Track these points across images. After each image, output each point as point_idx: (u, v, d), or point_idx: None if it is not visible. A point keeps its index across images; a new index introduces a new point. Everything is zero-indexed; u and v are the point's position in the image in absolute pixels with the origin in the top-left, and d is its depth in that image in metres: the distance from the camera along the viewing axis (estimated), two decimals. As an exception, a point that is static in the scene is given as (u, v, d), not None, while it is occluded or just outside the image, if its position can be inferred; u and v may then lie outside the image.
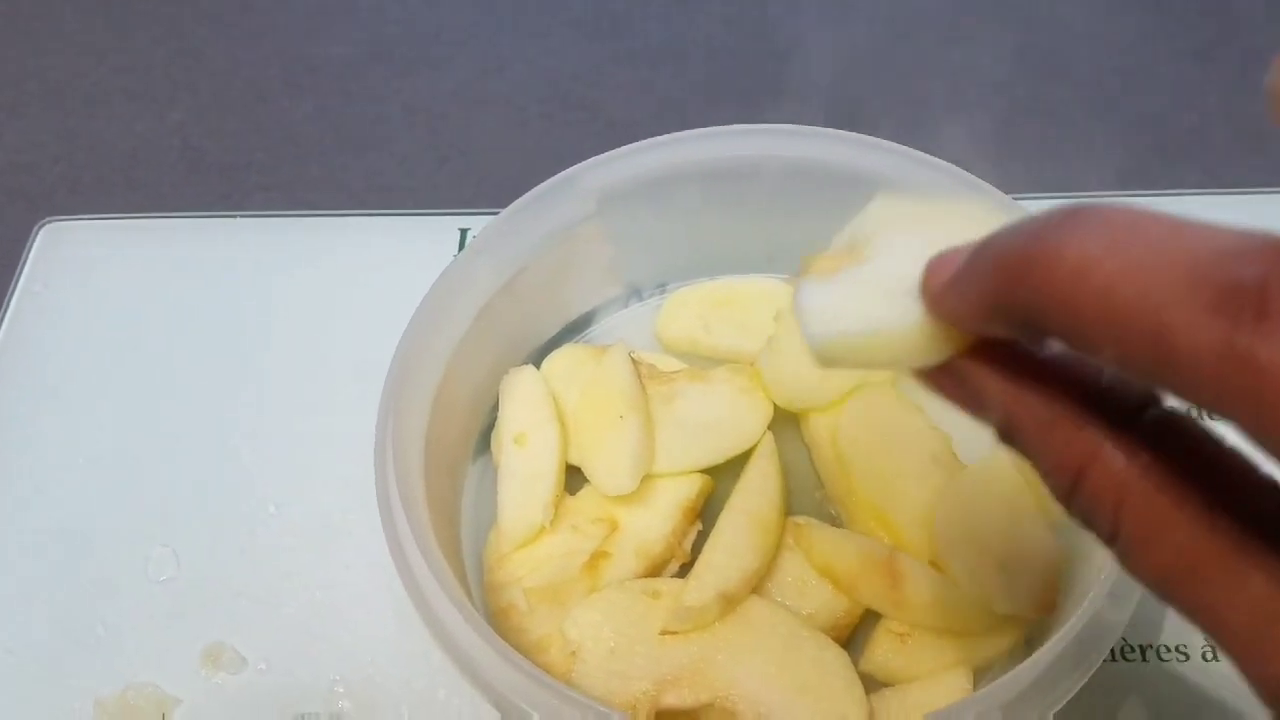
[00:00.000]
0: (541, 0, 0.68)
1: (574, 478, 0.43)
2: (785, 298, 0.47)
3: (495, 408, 0.45)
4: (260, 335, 0.51)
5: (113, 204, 0.58)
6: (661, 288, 0.50)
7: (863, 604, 0.40)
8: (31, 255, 0.54)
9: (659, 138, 0.45)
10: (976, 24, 0.65)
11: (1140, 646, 0.41)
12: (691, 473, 0.43)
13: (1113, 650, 0.36)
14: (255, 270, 0.53)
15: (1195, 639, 0.41)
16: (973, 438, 0.42)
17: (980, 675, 0.39)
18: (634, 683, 0.37)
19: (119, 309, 0.52)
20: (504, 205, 0.53)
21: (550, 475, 0.42)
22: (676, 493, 0.42)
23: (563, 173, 0.45)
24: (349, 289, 0.52)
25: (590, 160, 0.45)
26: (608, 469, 0.42)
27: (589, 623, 0.38)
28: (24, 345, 0.51)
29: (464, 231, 0.53)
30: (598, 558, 0.40)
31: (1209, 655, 0.40)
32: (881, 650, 0.39)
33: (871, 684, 0.38)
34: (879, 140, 0.44)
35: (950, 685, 0.38)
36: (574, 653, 0.38)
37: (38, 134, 0.62)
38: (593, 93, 0.63)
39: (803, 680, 0.37)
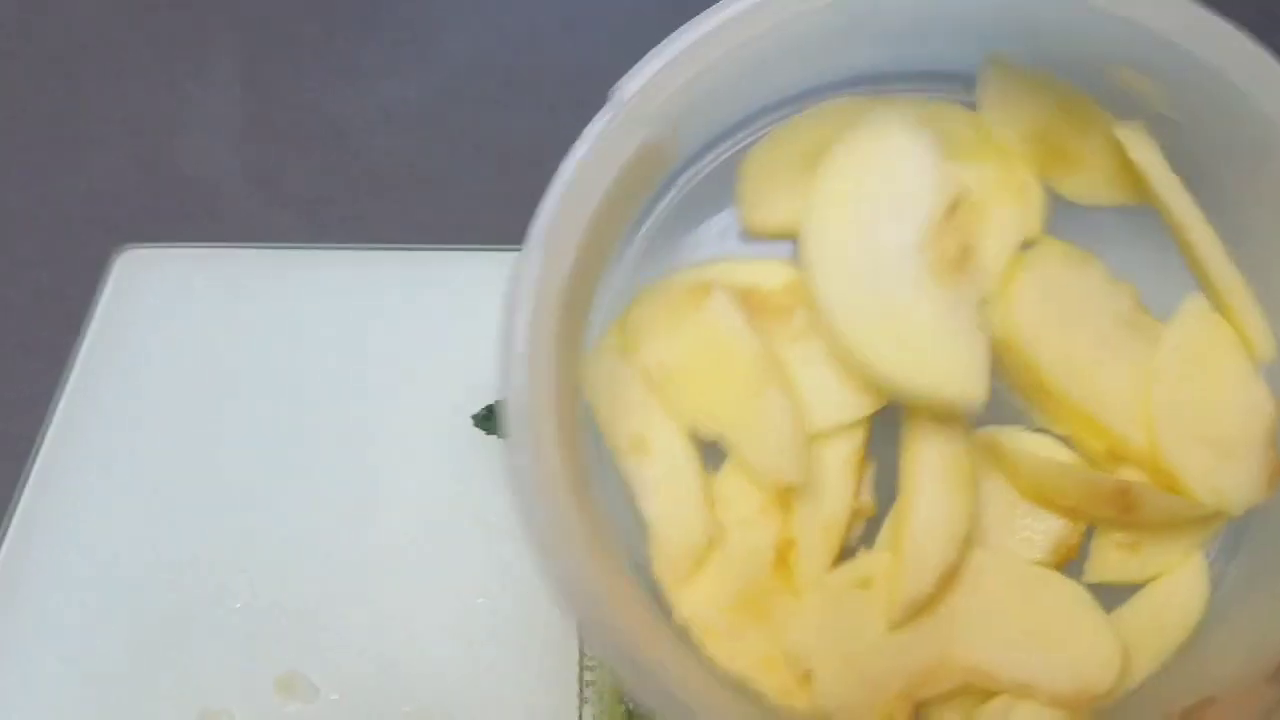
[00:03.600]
0: (610, 45, 0.69)
1: (709, 453, 0.36)
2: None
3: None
4: (334, 366, 0.52)
5: (189, 233, 0.58)
6: (729, 142, 0.38)
7: (1082, 526, 0.36)
8: (110, 282, 0.54)
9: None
10: None
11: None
12: (856, 424, 0.36)
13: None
14: (331, 301, 0.54)
15: None
16: (1159, 279, 0.36)
17: (1209, 546, 0.36)
18: (883, 688, 0.34)
19: (195, 336, 0.53)
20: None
21: (692, 479, 0.35)
22: (840, 448, 0.36)
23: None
24: (423, 321, 0.53)
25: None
26: (766, 457, 0.35)
27: (812, 637, 0.34)
28: (102, 370, 0.52)
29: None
30: (784, 550, 0.35)
31: None
32: (1109, 562, 0.36)
33: (1104, 595, 0.35)
34: None
35: (1186, 585, 0.35)
36: (806, 673, 0.34)
37: (119, 162, 0.63)
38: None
39: (1049, 633, 0.34)
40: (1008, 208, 0.36)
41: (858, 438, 0.36)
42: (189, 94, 0.67)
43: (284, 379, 0.51)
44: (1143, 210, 0.37)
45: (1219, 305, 0.35)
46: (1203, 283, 0.36)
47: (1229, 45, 0.33)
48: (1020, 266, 0.36)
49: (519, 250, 0.52)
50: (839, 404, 0.35)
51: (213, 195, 0.62)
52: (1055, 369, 0.35)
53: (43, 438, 0.50)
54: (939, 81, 0.38)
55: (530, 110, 0.66)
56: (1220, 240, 0.35)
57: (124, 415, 0.51)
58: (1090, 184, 0.37)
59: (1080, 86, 0.36)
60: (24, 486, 0.48)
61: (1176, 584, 0.35)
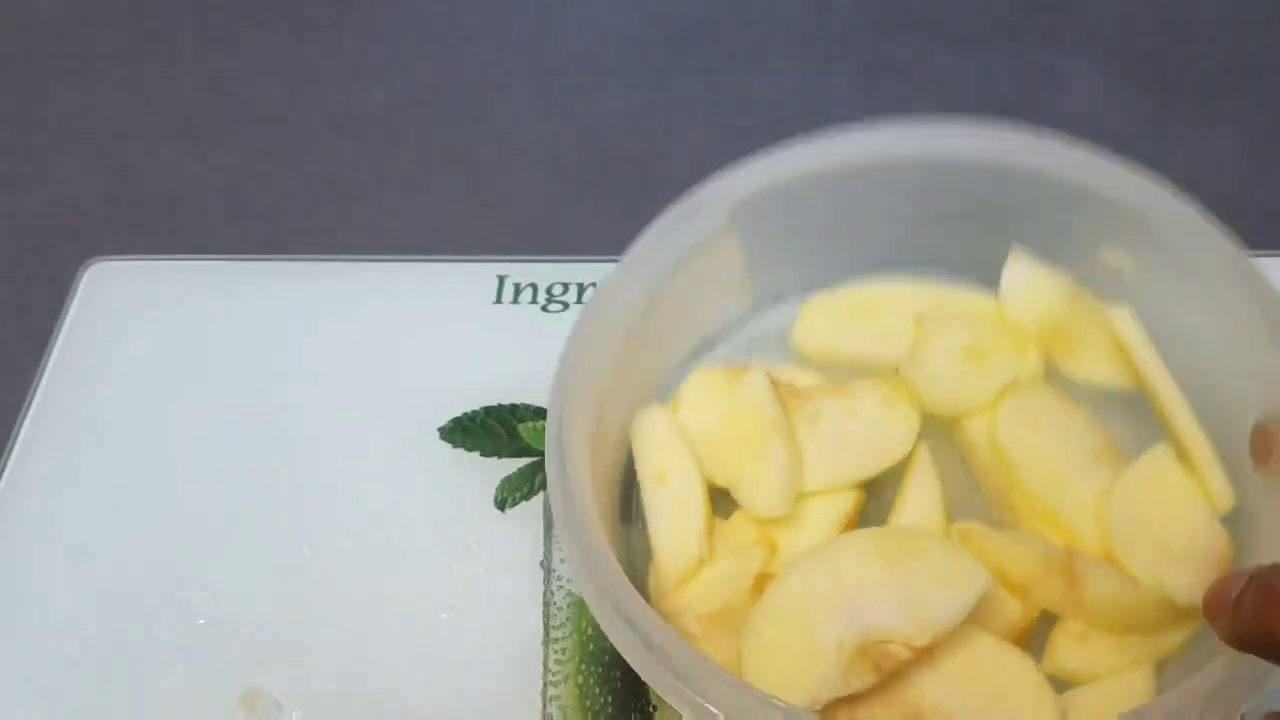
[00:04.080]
0: (581, 50, 0.69)
1: (726, 502, 0.43)
2: (924, 301, 0.46)
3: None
4: (300, 378, 0.51)
5: (157, 245, 0.58)
6: (793, 297, 0.48)
7: (1039, 606, 0.39)
8: (78, 295, 0.54)
9: (789, 143, 0.44)
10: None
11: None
12: (844, 489, 0.42)
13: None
14: (297, 313, 0.54)
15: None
16: (1132, 435, 0.42)
17: (1161, 670, 0.39)
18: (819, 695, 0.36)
19: (162, 348, 0.53)
20: (542, 252, 0.54)
21: (698, 508, 0.42)
22: (831, 509, 0.42)
23: (696, 189, 0.44)
24: (388, 333, 0.53)
25: (723, 173, 0.44)
26: (759, 492, 0.42)
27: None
28: (69, 383, 0.51)
29: (502, 278, 0.54)
30: (762, 580, 0.40)
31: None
32: (1061, 652, 0.39)
33: (1054, 686, 0.37)
34: (1037, 139, 0.44)
35: (1135, 683, 0.38)
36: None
37: (84, 174, 0.63)
38: (630, 141, 0.64)
39: (991, 688, 0.37)
40: (1007, 355, 0.44)
41: (848, 503, 0.42)
42: (154, 106, 0.67)
43: (249, 392, 0.51)
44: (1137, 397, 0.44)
45: (1185, 460, 0.41)
46: (1173, 440, 0.41)
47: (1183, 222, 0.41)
48: (1013, 391, 0.43)
49: (486, 261, 0.52)
50: (833, 469, 0.42)
51: (179, 207, 0.62)
52: (1030, 478, 0.41)
53: (9, 451, 0.49)
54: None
55: (499, 117, 0.66)
56: (1189, 406, 0.41)
57: (91, 428, 0.50)
58: (1091, 366, 0.44)
59: (1077, 273, 0.45)
60: (-12, 501, 0.48)
61: (1122, 684, 0.38)
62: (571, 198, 0.56)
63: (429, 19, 0.71)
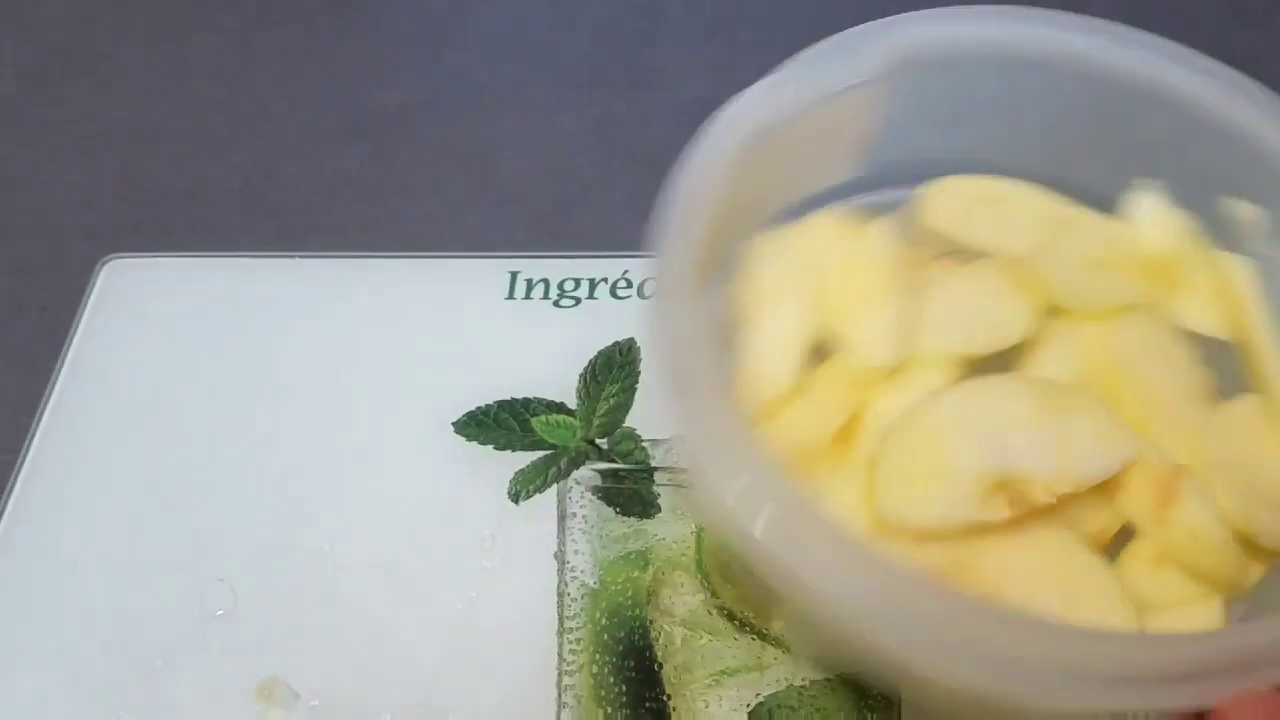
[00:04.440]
0: (591, 50, 0.69)
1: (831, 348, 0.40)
2: (1058, 208, 0.44)
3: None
4: (315, 373, 0.52)
5: (173, 243, 0.59)
6: (913, 179, 0.45)
7: (1122, 514, 0.37)
8: (94, 292, 0.55)
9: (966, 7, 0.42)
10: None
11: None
12: (951, 363, 0.40)
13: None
14: (312, 309, 0.55)
15: None
16: (1227, 389, 0.40)
17: (1229, 609, 0.37)
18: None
19: (179, 344, 0.54)
20: (555, 249, 0.54)
21: (798, 335, 0.39)
22: (932, 379, 0.39)
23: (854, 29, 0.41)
24: (402, 329, 0.53)
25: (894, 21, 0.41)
26: (867, 337, 0.39)
27: (840, 503, 0.36)
28: (86, 378, 0.52)
29: (514, 274, 0.54)
30: (849, 430, 0.38)
31: None
32: (1131, 573, 0.37)
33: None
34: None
35: (1203, 616, 0.36)
36: None
37: (100, 173, 0.63)
38: (640, 140, 0.64)
39: (1068, 595, 0.35)
40: (1132, 276, 0.42)
41: (951, 378, 0.39)
42: (169, 105, 0.67)
43: (266, 388, 0.52)
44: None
45: (1275, 414, 0.39)
46: (1263, 395, 0.39)
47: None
48: (1132, 309, 0.41)
49: (498, 258, 0.53)
50: (943, 338, 0.39)
51: (194, 205, 0.62)
52: (1132, 397, 0.39)
53: (27, 449, 0.50)
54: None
55: (513, 115, 0.66)
56: None
57: (107, 426, 0.51)
58: (1196, 310, 0.41)
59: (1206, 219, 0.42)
60: (8, 497, 0.49)
61: (1191, 615, 0.36)
62: (584, 194, 0.56)
63: (441, 18, 0.71)
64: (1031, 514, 0.35)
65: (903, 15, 0.41)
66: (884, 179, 0.44)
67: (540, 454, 0.48)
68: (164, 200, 0.62)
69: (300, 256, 0.57)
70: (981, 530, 0.35)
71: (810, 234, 0.42)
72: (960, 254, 0.43)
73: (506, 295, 0.54)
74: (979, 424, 0.36)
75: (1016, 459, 0.35)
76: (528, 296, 0.54)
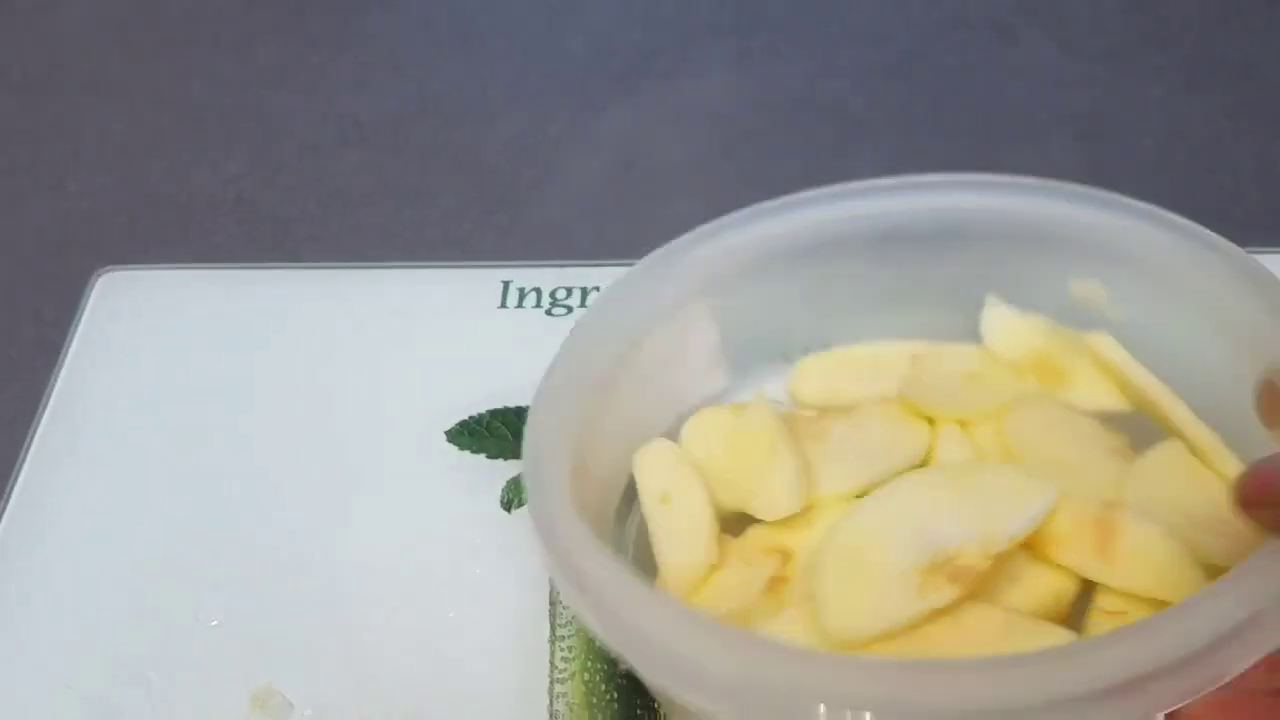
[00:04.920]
0: (585, 57, 0.69)
1: (736, 526, 0.43)
2: (916, 352, 0.46)
3: (626, 500, 0.44)
4: (309, 383, 0.53)
5: (169, 254, 0.60)
6: (778, 365, 0.48)
7: (1071, 572, 0.38)
8: (90, 303, 0.55)
9: (754, 207, 0.45)
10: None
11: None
12: (856, 495, 0.42)
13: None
14: (306, 319, 0.55)
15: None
16: (1145, 438, 0.42)
17: None
18: None
19: (173, 355, 0.54)
20: (546, 257, 0.54)
21: (704, 518, 0.41)
22: (843, 512, 0.41)
23: (658, 252, 0.44)
24: (395, 338, 0.54)
25: (688, 240, 0.45)
26: (769, 495, 0.41)
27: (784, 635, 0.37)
28: (82, 391, 0.53)
29: (507, 283, 0.54)
30: (776, 583, 0.40)
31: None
32: (1098, 630, 0.37)
33: None
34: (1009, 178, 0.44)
35: None
36: None
37: (97, 184, 0.64)
38: (634, 148, 0.65)
39: None
40: (1007, 379, 0.44)
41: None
42: (166, 118, 0.67)
43: (260, 398, 0.52)
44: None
45: (1199, 454, 0.40)
46: (1181, 440, 0.41)
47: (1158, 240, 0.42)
48: (1020, 401, 0.43)
49: (491, 267, 0.53)
50: (846, 475, 0.42)
51: (190, 217, 0.62)
52: (1040, 468, 0.40)
53: (23, 458, 0.50)
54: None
55: (504, 125, 0.67)
56: (1189, 408, 0.41)
57: (103, 436, 0.51)
58: (1085, 394, 0.44)
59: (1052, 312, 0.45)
60: (3, 507, 0.49)
61: None
62: (575, 203, 0.56)
63: (436, 29, 0.72)
64: (975, 594, 0.37)
65: (706, 227, 0.44)
66: (752, 379, 0.47)
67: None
68: (160, 212, 0.63)
69: (295, 267, 0.58)
70: (931, 618, 0.36)
71: (691, 435, 0.44)
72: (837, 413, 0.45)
73: (499, 304, 0.54)
74: (899, 521, 0.37)
75: (943, 538, 0.37)
76: (520, 305, 0.54)
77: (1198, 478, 0.40)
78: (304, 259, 0.59)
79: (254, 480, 0.49)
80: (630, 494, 0.43)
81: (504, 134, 0.66)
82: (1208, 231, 0.41)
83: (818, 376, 0.47)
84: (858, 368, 0.47)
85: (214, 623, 0.45)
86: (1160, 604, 0.36)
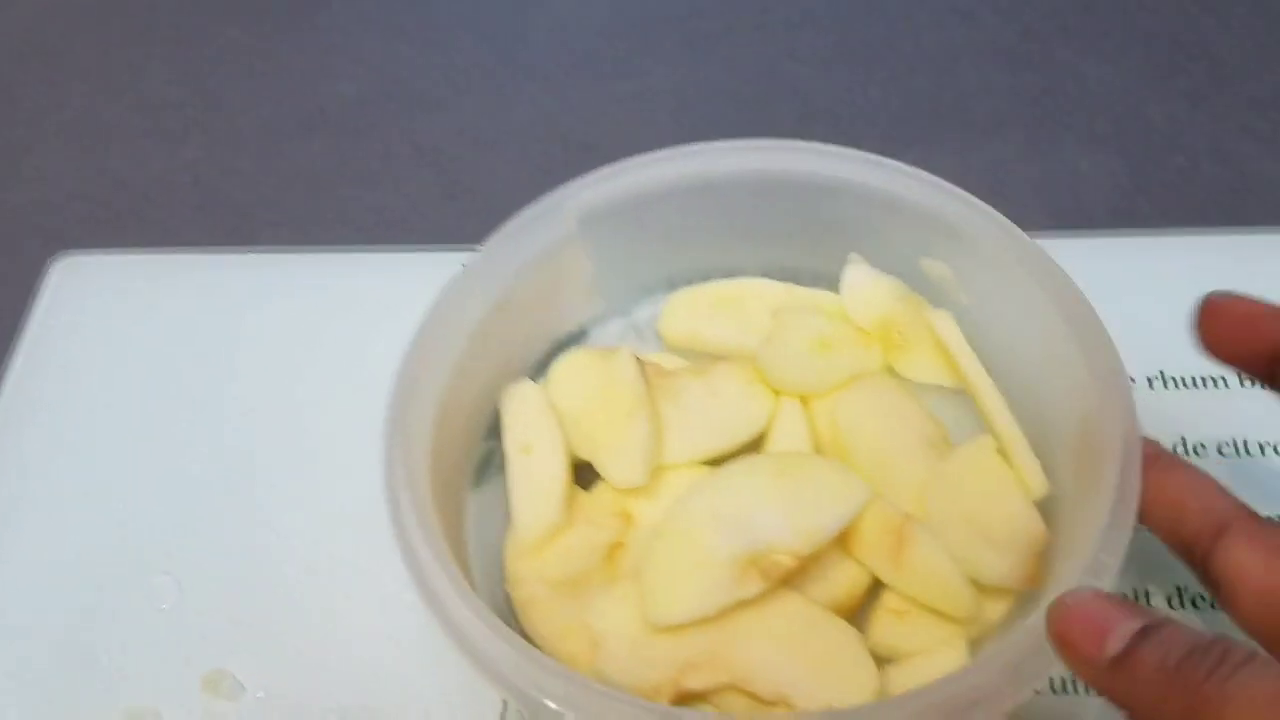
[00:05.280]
0: (547, 41, 0.69)
1: (589, 476, 0.45)
2: (780, 297, 0.49)
3: (494, 429, 0.46)
4: (267, 368, 0.52)
5: (127, 239, 0.59)
6: (655, 297, 0.51)
7: (866, 567, 0.42)
8: (47, 289, 0.55)
9: (639, 157, 0.47)
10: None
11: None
12: (700, 463, 0.45)
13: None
14: (265, 304, 0.55)
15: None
16: (965, 426, 0.45)
17: (975, 647, 0.41)
18: (656, 669, 0.39)
19: (131, 341, 0.54)
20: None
21: (559, 477, 0.44)
22: (686, 482, 0.44)
23: (544, 197, 0.46)
24: (357, 322, 0.53)
25: (572, 183, 0.47)
26: (618, 463, 0.44)
27: (611, 613, 0.40)
28: (37, 377, 0.52)
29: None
30: (615, 549, 0.43)
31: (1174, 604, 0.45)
32: (881, 628, 0.41)
33: (875, 661, 0.40)
34: (873, 156, 0.46)
35: (948, 658, 0.40)
36: (597, 642, 0.40)
37: (54, 169, 0.63)
38: (595, 132, 0.64)
39: (816, 658, 0.39)
40: (852, 349, 0.47)
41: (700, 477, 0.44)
42: (124, 101, 0.67)
43: (218, 384, 0.52)
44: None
45: (1003, 452, 0.43)
46: (993, 434, 0.44)
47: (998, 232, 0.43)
48: (856, 380, 0.46)
49: (451, 250, 0.53)
50: (691, 445, 0.45)
51: (148, 201, 0.62)
52: (863, 460, 0.44)
53: (-24, 445, 0.50)
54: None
55: (466, 109, 0.66)
56: (1005, 402, 0.44)
57: (58, 421, 0.51)
58: (922, 366, 0.47)
59: (910, 284, 0.48)
60: (-44, 493, 0.49)
61: (936, 660, 0.40)
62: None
63: (397, 14, 0.71)
64: (782, 584, 0.40)
65: (591, 174, 0.46)
66: (623, 308, 0.51)
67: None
68: (118, 197, 0.62)
69: (254, 251, 0.57)
70: (739, 609, 0.40)
71: (557, 376, 0.47)
72: (704, 358, 0.48)
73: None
74: (725, 510, 0.40)
75: (761, 533, 0.40)
76: (483, 289, 0.54)
77: (996, 484, 0.42)
78: (263, 244, 0.58)
79: (208, 465, 0.49)
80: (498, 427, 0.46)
81: (466, 119, 0.65)
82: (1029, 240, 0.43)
83: (685, 316, 0.49)
84: (725, 309, 0.49)
85: (164, 607, 0.45)
86: (936, 613, 0.41)
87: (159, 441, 0.50)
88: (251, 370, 0.52)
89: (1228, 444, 0.48)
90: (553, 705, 0.34)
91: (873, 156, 0.46)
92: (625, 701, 0.35)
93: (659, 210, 0.47)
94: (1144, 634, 0.29)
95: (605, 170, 0.47)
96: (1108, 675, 0.29)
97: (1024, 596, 0.41)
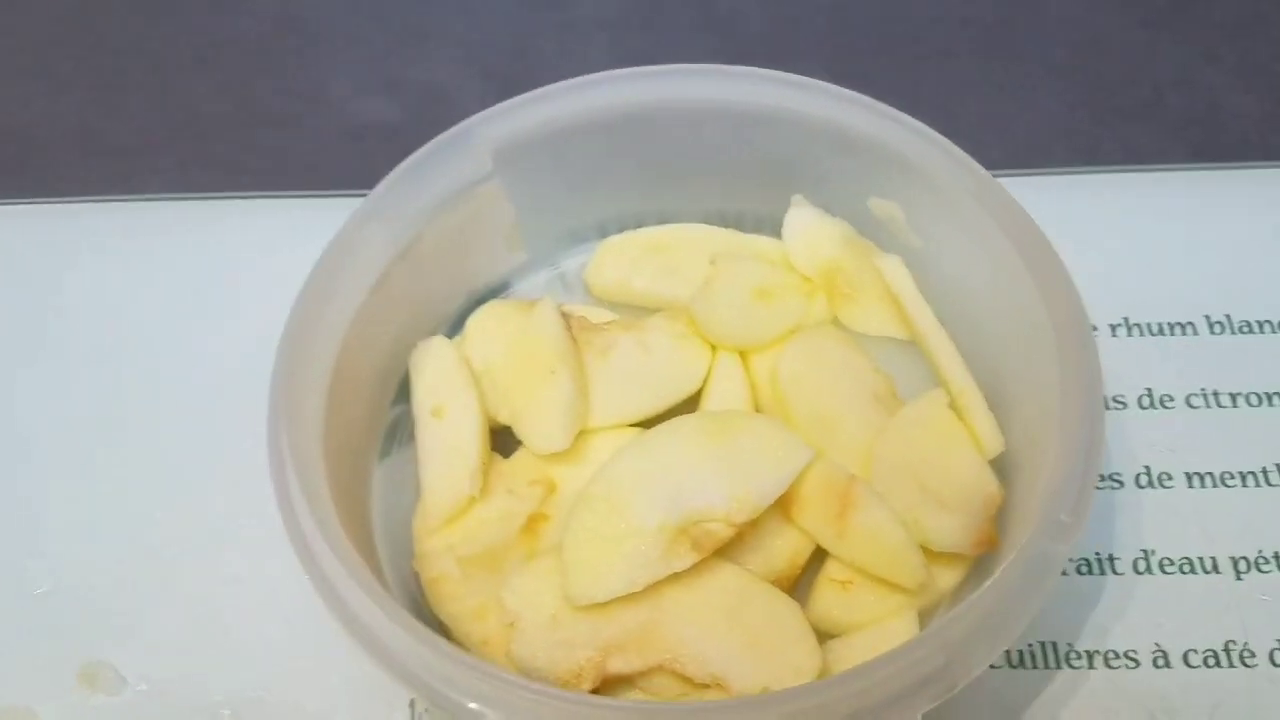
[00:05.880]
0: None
1: (508, 441, 0.42)
2: (717, 243, 0.46)
3: (405, 393, 0.43)
4: (151, 326, 0.49)
5: (5, 187, 0.55)
6: (583, 244, 0.48)
7: (808, 535, 0.39)
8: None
9: (555, 85, 0.43)
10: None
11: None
12: (630, 425, 0.42)
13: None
14: (152, 256, 0.51)
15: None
16: (915, 380, 0.42)
17: (925, 619, 0.39)
18: (577, 651, 0.37)
19: (9, 298, 0.50)
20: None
21: (474, 442, 0.41)
22: (615, 447, 0.40)
23: (454, 128, 0.43)
24: (250, 274, 0.50)
25: (484, 113, 0.43)
26: (539, 427, 0.41)
27: (528, 590, 0.37)
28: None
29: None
30: (536, 520, 0.40)
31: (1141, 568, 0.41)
32: (824, 600, 0.39)
33: (817, 636, 0.38)
34: (817, 82, 0.43)
35: (897, 631, 0.38)
36: (512, 623, 0.37)
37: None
38: (519, 66, 0.61)
39: (753, 635, 0.37)
40: (794, 299, 0.44)
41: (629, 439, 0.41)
42: (3, 41, 0.63)
43: (95, 345, 0.48)
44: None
45: (956, 407, 0.41)
46: (945, 389, 0.41)
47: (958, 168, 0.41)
48: (798, 332, 0.43)
49: (351, 196, 0.49)
50: (620, 405, 0.42)
51: (27, 147, 0.58)
52: (807, 418, 0.41)
53: None
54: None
55: (366, 48, 0.63)
56: (959, 354, 0.41)
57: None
58: (869, 315, 0.44)
59: (855, 223, 0.45)
60: None
61: (884, 633, 0.38)
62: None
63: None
64: (717, 554, 0.37)
65: (503, 104, 0.43)
66: (550, 258, 0.47)
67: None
68: (-1, 143, 0.58)
69: (142, 199, 0.53)
70: (669, 582, 0.37)
71: (473, 331, 0.43)
72: (633, 310, 0.45)
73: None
74: (654, 476, 0.37)
75: (693, 500, 0.37)
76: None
77: (948, 442, 0.40)
78: (153, 191, 0.54)
79: (85, 438, 0.46)
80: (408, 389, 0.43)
81: (374, 52, 0.62)
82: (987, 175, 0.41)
83: (615, 265, 0.46)
84: (658, 257, 0.46)
85: (39, 591, 0.42)
86: (883, 583, 0.38)
87: (33, 411, 0.47)
88: (132, 333, 0.48)
89: (1196, 394, 0.45)
90: (455, 696, 0.32)
91: (817, 82, 0.43)
92: (537, 692, 0.32)
93: (584, 146, 0.44)
94: None
95: (521, 98, 0.43)
96: None
97: (978, 563, 0.39)
